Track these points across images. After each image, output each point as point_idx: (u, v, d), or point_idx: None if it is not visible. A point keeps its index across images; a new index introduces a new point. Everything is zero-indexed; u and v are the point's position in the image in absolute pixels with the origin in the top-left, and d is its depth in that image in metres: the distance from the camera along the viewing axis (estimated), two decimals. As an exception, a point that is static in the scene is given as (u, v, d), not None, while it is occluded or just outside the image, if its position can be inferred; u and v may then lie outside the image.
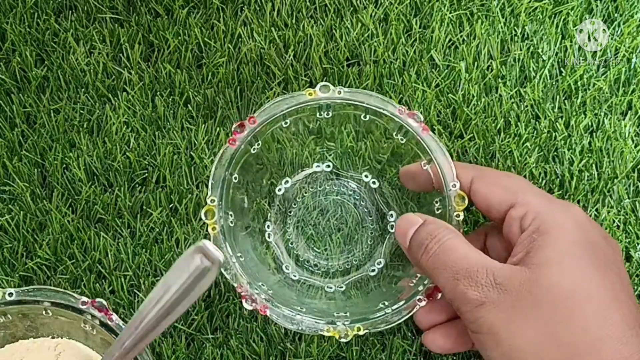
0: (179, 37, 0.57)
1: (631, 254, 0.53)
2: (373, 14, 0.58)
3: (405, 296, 0.45)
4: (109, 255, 0.52)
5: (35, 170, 0.54)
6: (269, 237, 0.52)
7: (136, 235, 0.53)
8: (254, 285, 0.45)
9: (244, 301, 0.44)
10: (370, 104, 0.48)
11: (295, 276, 0.51)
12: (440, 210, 0.47)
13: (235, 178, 0.48)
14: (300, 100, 0.48)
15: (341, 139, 0.53)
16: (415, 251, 0.44)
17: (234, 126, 0.48)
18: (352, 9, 0.59)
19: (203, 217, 0.45)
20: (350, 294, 0.51)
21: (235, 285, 0.45)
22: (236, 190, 0.48)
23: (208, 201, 0.46)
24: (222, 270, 0.45)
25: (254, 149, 0.49)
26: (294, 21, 0.58)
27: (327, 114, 0.49)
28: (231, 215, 0.47)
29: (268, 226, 0.53)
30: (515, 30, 0.58)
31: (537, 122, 0.56)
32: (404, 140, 0.49)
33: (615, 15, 0.59)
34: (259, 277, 0.48)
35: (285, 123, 0.49)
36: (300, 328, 0.44)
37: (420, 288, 0.45)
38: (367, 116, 0.49)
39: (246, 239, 0.50)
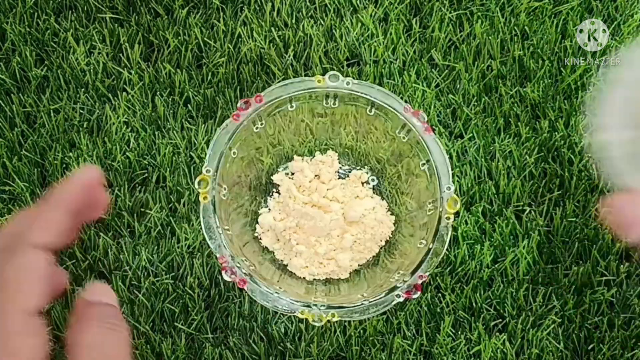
0: (179, 37, 0.57)
1: (630, 254, 0.53)
2: (373, 14, 0.58)
3: (385, 290, 0.46)
4: (109, 255, 0.52)
5: (35, 170, 0.54)
6: (261, 219, 0.53)
7: (136, 235, 0.53)
8: (236, 259, 0.45)
9: (223, 272, 0.45)
10: (377, 99, 0.48)
11: (280, 257, 0.52)
12: (431, 212, 0.47)
13: (234, 153, 0.48)
14: (309, 85, 0.48)
15: (345, 133, 0.53)
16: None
17: (239, 102, 0.48)
18: (352, 9, 0.59)
19: (196, 186, 0.46)
20: (331, 282, 0.51)
21: (217, 255, 0.45)
22: (233, 166, 0.48)
23: (203, 171, 0.46)
24: (207, 239, 0.45)
25: (256, 128, 0.49)
26: (294, 21, 0.58)
27: (334, 104, 0.49)
28: (225, 188, 0.47)
29: (261, 207, 0.53)
30: (515, 30, 0.58)
31: (537, 122, 0.56)
32: (406, 138, 0.49)
33: (615, 15, 0.59)
34: (244, 252, 0.48)
35: (292, 107, 0.49)
36: (275, 306, 0.44)
37: (400, 284, 0.45)
38: (373, 110, 0.49)
39: (239, 217, 0.50)
